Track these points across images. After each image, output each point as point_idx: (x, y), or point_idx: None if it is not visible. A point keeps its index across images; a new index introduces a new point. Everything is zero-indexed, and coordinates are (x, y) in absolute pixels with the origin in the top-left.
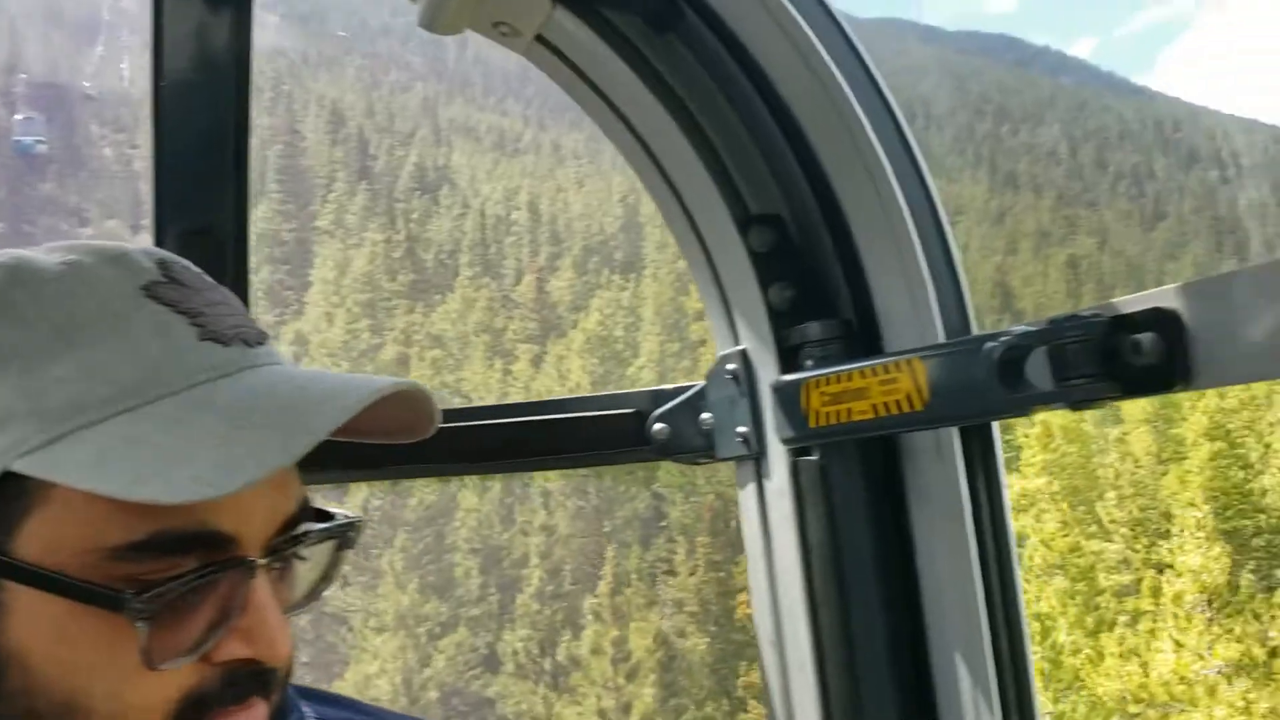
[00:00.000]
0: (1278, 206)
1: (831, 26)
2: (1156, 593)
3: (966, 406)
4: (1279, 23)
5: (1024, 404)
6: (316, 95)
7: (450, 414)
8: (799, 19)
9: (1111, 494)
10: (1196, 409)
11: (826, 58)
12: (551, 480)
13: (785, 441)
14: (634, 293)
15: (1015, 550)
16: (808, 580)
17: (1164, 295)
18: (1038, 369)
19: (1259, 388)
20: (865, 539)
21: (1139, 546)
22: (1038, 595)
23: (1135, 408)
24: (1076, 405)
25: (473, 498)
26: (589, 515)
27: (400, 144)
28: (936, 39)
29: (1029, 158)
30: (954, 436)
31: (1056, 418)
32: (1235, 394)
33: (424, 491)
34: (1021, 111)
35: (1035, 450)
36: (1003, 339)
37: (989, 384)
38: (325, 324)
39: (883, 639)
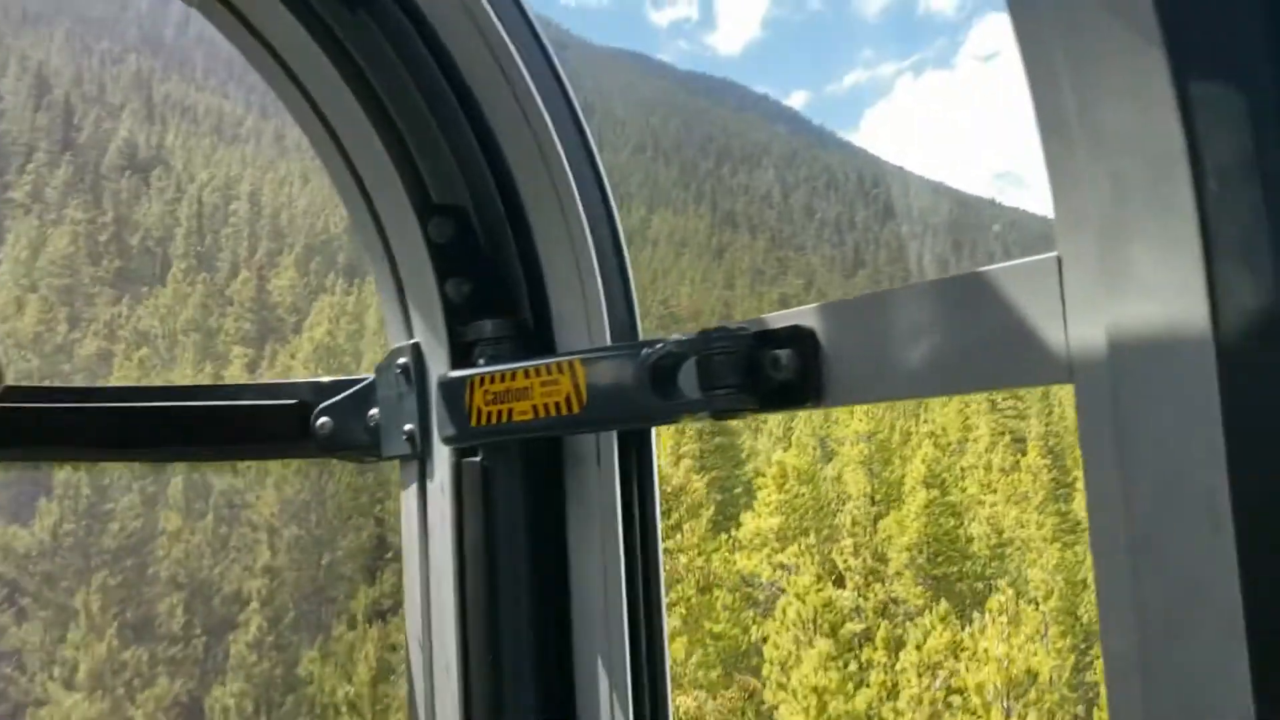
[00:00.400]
0: (958, 263)
1: (527, 33)
2: (888, 644)
3: (622, 411)
4: (958, 102)
5: (674, 411)
6: (19, 54)
7: (79, 393)
8: (493, 17)
9: (848, 540)
10: (915, 457)
11: (519, 61)
12: (269, 507)
13: (447, 440)
14: (358, 299)
15: (661, 558)
16: (460, 583)
17: (803, 314)
18: (689, 378)
19: (954, 434)
20: (522, 543)
21: (870, 595)
22: (797, 655)
23: (854, 450)
24: (719, 415)
25: (177, 519)
26: (307, 545)
27: (109, 116)
28: (667, 75)
29: (746, 198)
30: (613, 442)
31: (790, 458)
32: (940, 441)
33: (125, 516)
34: (741, 153)
35: (771, 490)
36: (658, 346)
37: (643, 390)
38: (14, 310)
39: (529, 643)
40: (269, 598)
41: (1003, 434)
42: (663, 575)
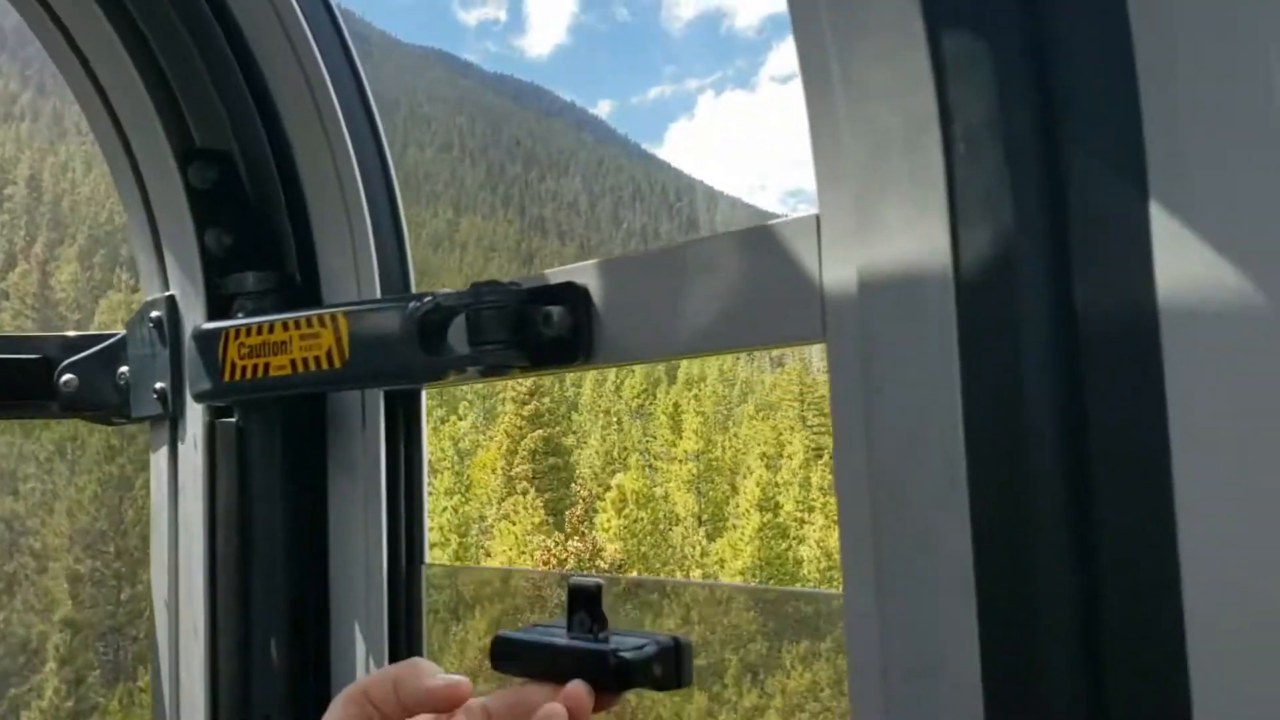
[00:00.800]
0: None
1: None
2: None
3: (386, 367)
4: (756, 121)
5: (441, 368)
6: None
7: None
8: None
9: (696, 571)
10: (750, 480)
11: (295, 2)
12: (58, 538)
13: (199, 397)
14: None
15: (427, 526)
16: (211, 546)
17: (578, 271)
18: (459, 334)
19: (769, 449)
20: (278, 505)
21: (718, 627)
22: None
23: (685, 470)
24: (488, 372)
25: None
26: (104, 579)
27: None
28: (473, 75)
29: (554, 205)
30: (379, 402)
31: (629, 481)
32: (770, 461)
33: None
34: (548, 159)
35: (610, 514)
36: (426, 300)
37: (410, 345)
38: None
39: (282, 608)
40: (68, 655)
41: (819, 452)
42: (427, 544)
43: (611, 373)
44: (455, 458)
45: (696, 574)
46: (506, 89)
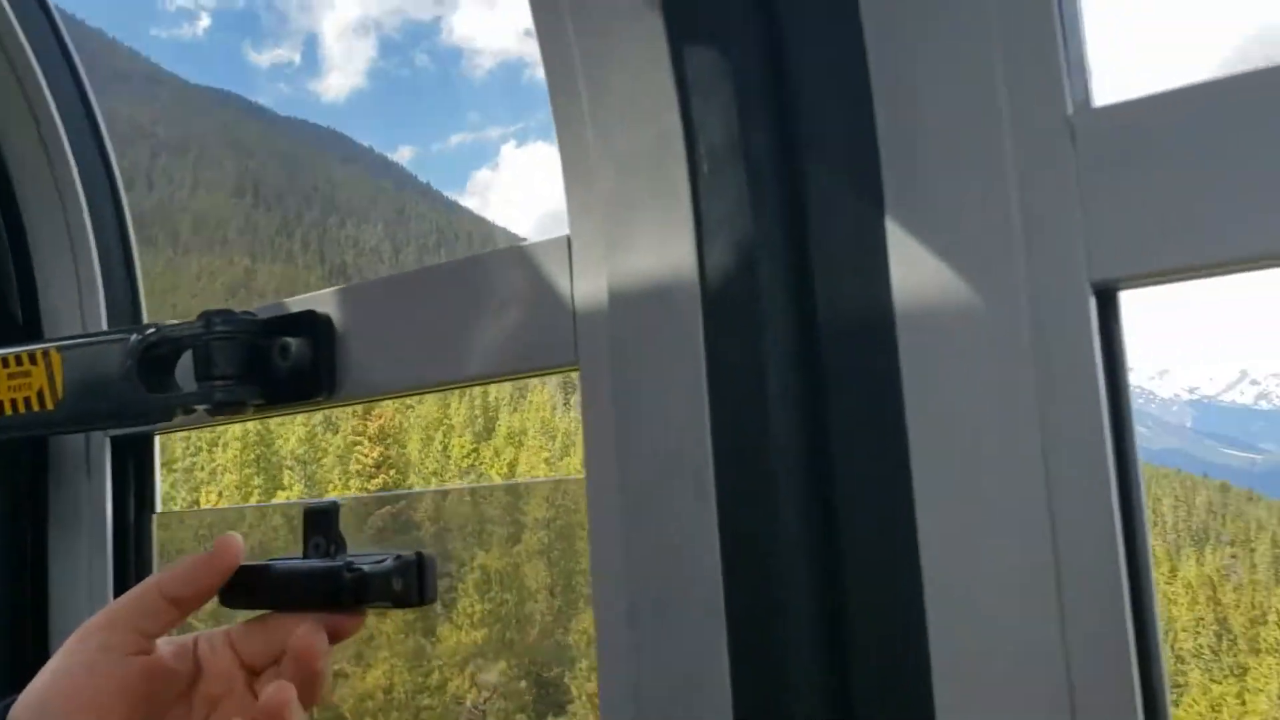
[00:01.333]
0: None
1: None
2: None
3: (103, 407)
4: (554, 173)
5: (166, 407)
6: None
7: None
8: None
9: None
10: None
11: (18, 28)
12: None
13: None
14: None
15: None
16: None
17: (321, 299)
18: (188, 370)
19: None
20: None
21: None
22: None
23: (535, 539)
24: (218, 410)
25: None
26: None
27: None
28: (266, 118)
29: (355, 251)
30: (105, 449)
31: (493, 560)
32: None
33: None
34: (348, 206)
35: (472, 599)
36: (150, 333)
37: (130, 382)
38: None
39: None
40: None
41: None
42: None
43: (439, 433)
44: (289, 534)
45: (583, 665)
46: (302, 134)
